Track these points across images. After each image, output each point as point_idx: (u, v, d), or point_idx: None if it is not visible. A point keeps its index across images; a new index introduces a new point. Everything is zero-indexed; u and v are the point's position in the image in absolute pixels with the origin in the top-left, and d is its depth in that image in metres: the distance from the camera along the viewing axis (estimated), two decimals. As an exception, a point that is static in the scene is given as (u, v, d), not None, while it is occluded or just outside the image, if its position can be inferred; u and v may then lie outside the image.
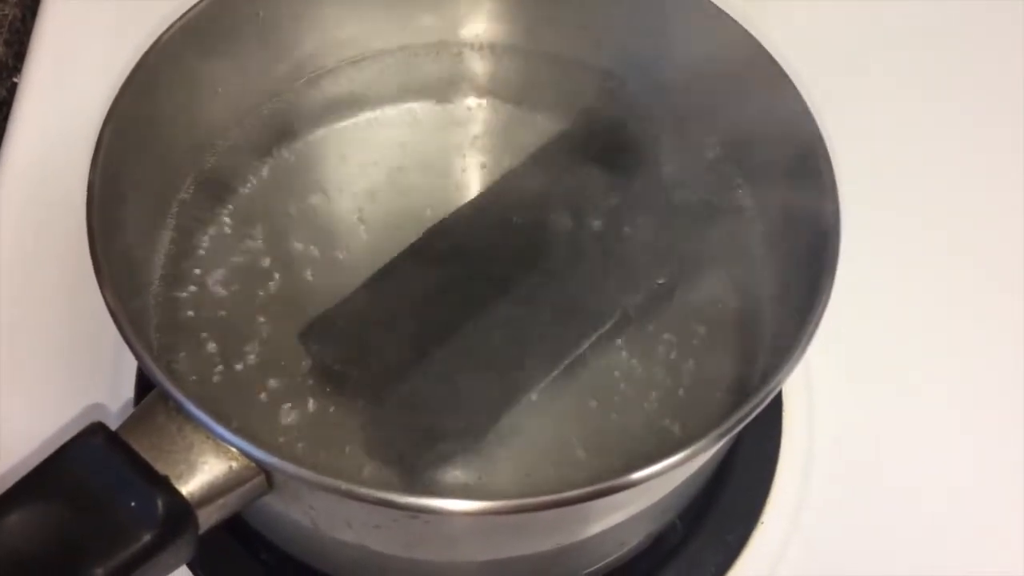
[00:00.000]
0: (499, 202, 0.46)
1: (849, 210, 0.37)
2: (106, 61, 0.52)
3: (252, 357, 0.42)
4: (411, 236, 0.44)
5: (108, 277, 0.35)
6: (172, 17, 0.43)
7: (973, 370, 0.49)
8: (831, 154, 0.37)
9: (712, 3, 0.43)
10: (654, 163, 0.45)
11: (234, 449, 0.32)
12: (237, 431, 0.32)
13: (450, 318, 0.42)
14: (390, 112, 0.49)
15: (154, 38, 0.41)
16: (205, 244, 0.44)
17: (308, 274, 0.44)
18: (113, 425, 0.33)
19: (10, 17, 0.55)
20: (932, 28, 0.59)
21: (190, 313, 0.43)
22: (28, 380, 0.44)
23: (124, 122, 0.39)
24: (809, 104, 0.38)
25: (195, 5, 0.42)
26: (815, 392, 0.47)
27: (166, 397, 0.33)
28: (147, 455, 0.32)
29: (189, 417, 0.32)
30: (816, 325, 0.34)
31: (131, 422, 0.33)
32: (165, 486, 0.31)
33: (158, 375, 0.32)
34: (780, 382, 0.34)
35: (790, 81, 0.39)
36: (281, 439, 0.39)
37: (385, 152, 0.48)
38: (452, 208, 0.46)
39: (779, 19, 0.52)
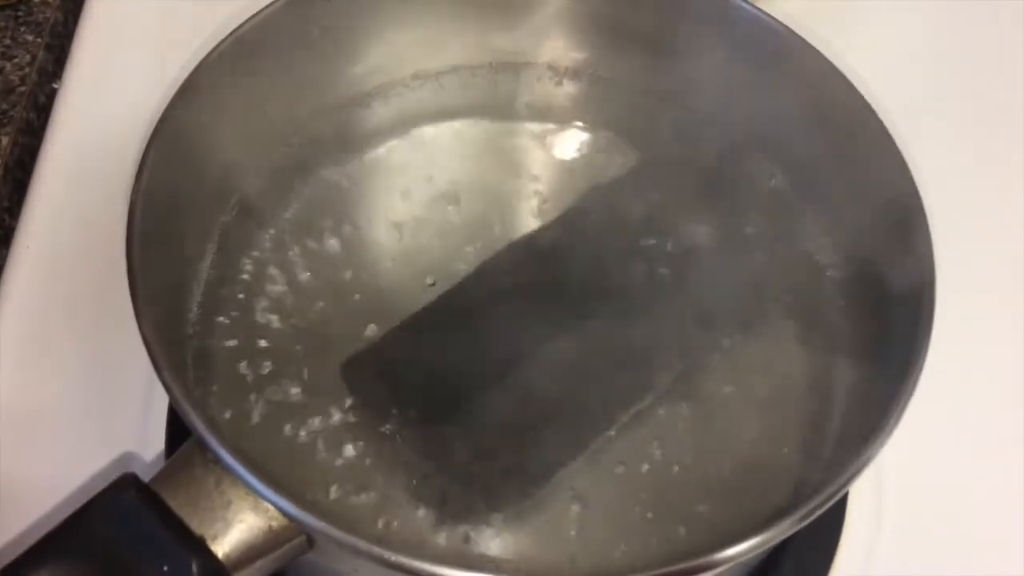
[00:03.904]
0: (560, 237, 0.44)
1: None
2: (149, 68, 0.51)
3: (291, 391, 0.40)
4: (464, 267, 0.42)
5: (146, 312, 0.33)
6: (215, 25, 0.42)
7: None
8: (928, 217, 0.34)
9: (796, 34, 0.40)
10: (727, 204, 0.43)
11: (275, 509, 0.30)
12: (280, 490, 0.30)
13: (503, 359, 0.40)
14: (443, 135, 0.47)
15: (198, 46, 0.39)
16: (247, 270, 0.42)
17: (354, 304, 0.42)
18: (145, 475, 0.31)
19: (52, 20, 0.53)
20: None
21: (227, 343, 0.41)
22: (54, 421, 0.42)
23: (169, 141, 0.38)
24: (906, 157, 0.35)
25: (246, 21, 0.40)
26: (884, 459, 0.44)
27: (204, 447, 0.31)
28: (181, 512, 0.30)
29: (228, 470, 0.30)
30: (905, 406, 0.31)
31: (165, 474, 0.31)
32: (200, 548, 0.29)
33: (198, 424, 0.30)
34: (870, 458, 0.31)
35: (887, 131, 0.36)
36: (320, 488, 0.37)
37: (438, 177, 0.45)
38: (508, 239, 0.44)
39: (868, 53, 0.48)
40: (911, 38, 0.58)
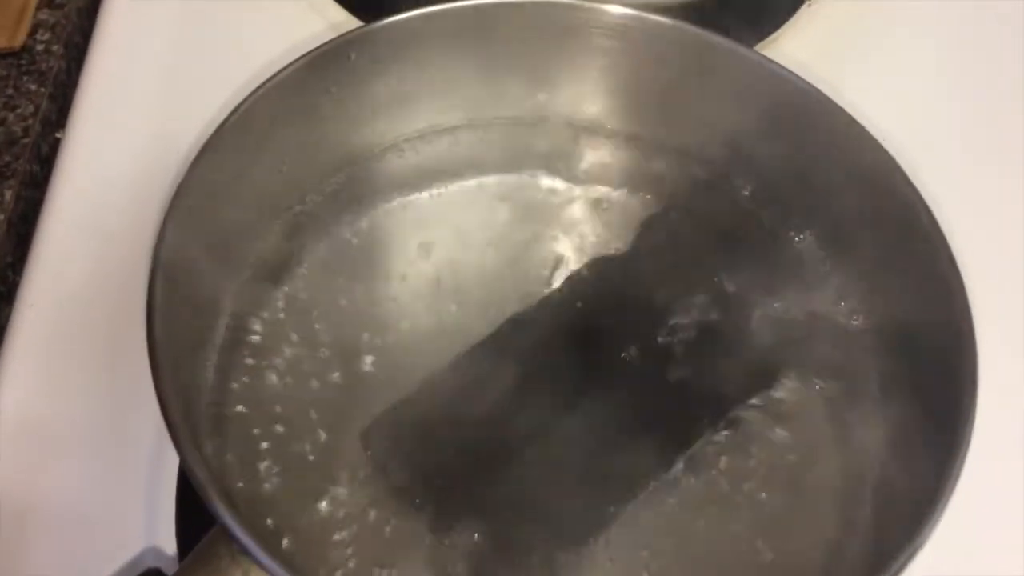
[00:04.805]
0: (585, 295, 0.43)
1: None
2: (153, 118, 0.50)
3: (307, 458, 0.39)
4: (484, 327, 0.42)
5: (168, 394, 0.32)
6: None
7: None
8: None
9: (831, 100, 0.40)
10: (755, 264, 0.42)
11: (306, 604, 0.29)
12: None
13: (528, 422, 0.39)
14: (458, 190, 0.46)
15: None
16: (261, 332, 0.41)
17: (370, 366, 0.41)
18: (168, 567, 0.29)
19: (55, 69, 0.51)
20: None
21: (241, 409, 0.39)
22: (70, 509, 0.39)
23: (188, 206, 0.37)
24: (945, 231, 0.35)
25: (265, 83, 0.40)
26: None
27: (231, 538, 0.29)
28: (209, 608, 0.29)
29: (256, 563, 0.29)
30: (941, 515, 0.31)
31: (190, 568, 0.29)
32: (230, 650, 0.28)
33: (228, 519, 0.29)
34: (927, 536, 0.30)
35: (926, 207, 0.36)
36: (339, 560, 0.36)
37: (457, 234, 0.45)
38: (531, 297, 0.43)
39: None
40: (923, 77, 0.56)
